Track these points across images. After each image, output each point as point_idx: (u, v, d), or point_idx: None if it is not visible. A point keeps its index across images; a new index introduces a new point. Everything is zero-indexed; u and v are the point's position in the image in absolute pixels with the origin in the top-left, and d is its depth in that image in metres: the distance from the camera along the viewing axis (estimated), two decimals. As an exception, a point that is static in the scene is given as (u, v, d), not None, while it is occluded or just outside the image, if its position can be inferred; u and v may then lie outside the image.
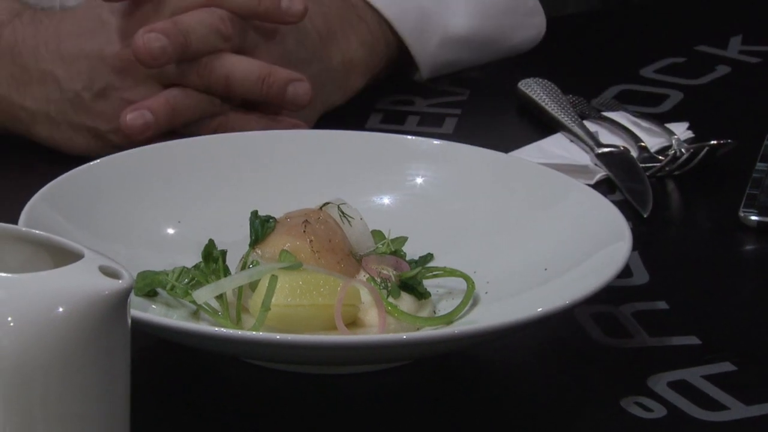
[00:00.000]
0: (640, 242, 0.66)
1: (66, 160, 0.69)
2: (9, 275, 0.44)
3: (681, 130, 0.79)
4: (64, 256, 0.46)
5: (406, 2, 0.79)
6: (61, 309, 0.44)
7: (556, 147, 0.78)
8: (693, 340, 0.62)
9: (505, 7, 0.82)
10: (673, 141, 0.77)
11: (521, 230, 0.64)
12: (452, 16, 0.81)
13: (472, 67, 0.85)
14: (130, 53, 0.70)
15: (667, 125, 0.79)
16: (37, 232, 0.47)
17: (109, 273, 0.45)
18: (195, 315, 0.60)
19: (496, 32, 0.83)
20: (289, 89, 0.72)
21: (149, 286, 0.60)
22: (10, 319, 0.43)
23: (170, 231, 0.64)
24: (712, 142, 0.76)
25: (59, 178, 0.63)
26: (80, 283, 0.44)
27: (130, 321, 0.46)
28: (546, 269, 0.61)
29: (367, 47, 0.79)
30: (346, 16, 0.78)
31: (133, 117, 0.70)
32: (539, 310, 0.56)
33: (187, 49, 0.70)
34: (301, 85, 0.72)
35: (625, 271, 0.63)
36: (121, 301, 0.45)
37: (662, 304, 0.65)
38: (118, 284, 0.45)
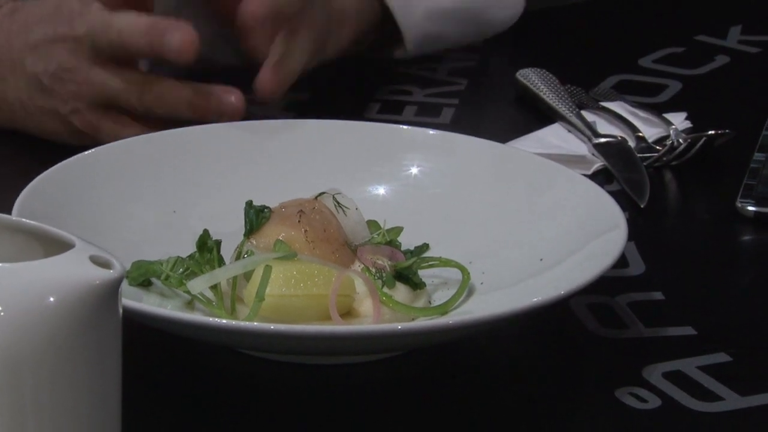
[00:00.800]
0: (636, 233, 0.65)
1: (59, 150, 0.68)
2: (-1, 265, 0.44)
3: (679, 120, 0.79)
4: (55, 245, 0.46)
5: None
6: (51, 299, 0.43)
7: (554, 137, 0.78)
8: (688, 330, 0.62)
9: None
10: (671, 131, 0.77)
11: (517, 220, 0.64)
12: None
13: (453, 46, 0.85)
14: (82, 33, 0.70)
15: (665, 115, 0.79)
16: (28, 221, 0.47)
17: (100, 263, 0.45)
18: (189, 305, 0.59)
19: (478, 6, 0.83)
20: (165, 40, 0.70)
21: (144, 275, 0.60)
22: (0, 308, 0.43)
23: (165, 221, 0.64)
24: (710, 132, 0.76)
25: (52, 168, 0.63)
26: (71, 273, 0.44)
27: (121, 311, 0.46)
28: (542, 259, 0.61)
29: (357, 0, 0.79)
30: None
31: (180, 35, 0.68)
32: (534, 300, 0.56)
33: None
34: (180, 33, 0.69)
35: (621, 262, 0.63)
36: (112, 290, 0.45)
37: (658, 295, 0.64)
38: (109, 274, 0.44)
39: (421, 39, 0.83)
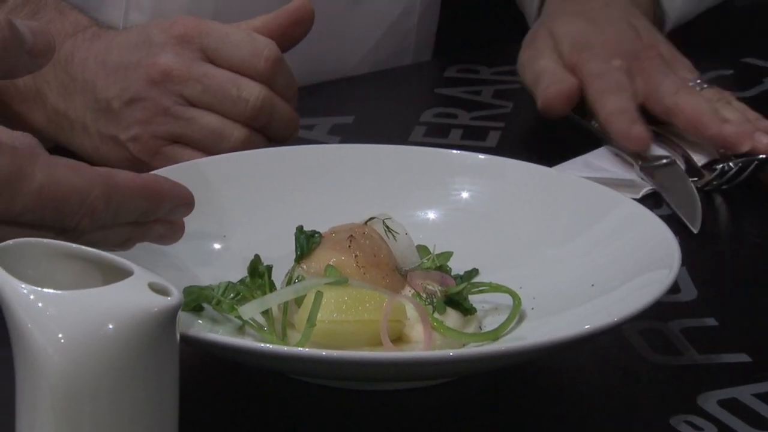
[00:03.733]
0: (687, 257, 0.65)
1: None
2: (60, 292, 0.44)
3: None
4: (113, 272, 0.46)
5: None
6: (110, 326, 0.44)
7: (602, 161, 0.78)
8: (743, 357, 0.61)
9: None
10: (720, 154, 0.76)
11: (568, 245, 0.64)
12: None
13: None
14: (164, 65, 0.70)
15: None
16: (87, 248, 0.47)
17: (158, 290, 0.45)
18: (241, 330, 0.60)
19: None
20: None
21: (195, 301, 0.60)
22: (60, 335, 0.43)
23: (216, 246, 0.64)
24: (761, 156, 0.75)
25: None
26: (130, 300, 0.44)
27: (178, 337, 0.46)
28: (593, 285, 0.61)
29: None
30: None
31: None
32: (587, 327, 0.55)
33: None
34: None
35: (673, 287, 0.62)
36: (170, 317, 0.45)
37: (711, 321, 0.64)
38: (167, 301, 0.45)
39: (676, 20, 0.87)
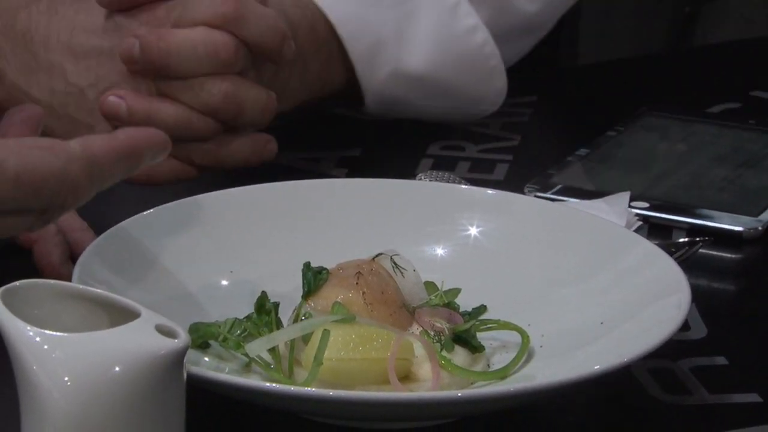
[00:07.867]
0: (697, 294, 0.64)
1: (115, 212, 0.68)
2: (66, 334, 0.44)
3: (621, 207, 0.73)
4: (120, 313, 0.46)
5: (363, 27, 0.77)
6: (117, 369, 0.43)
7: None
8: (754, 397, 0.60)
9: (465, 60, 0.80)
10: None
11: (576, 282, 0.63)
12: (408, 53, 0.79)
13: (429, 118, 0.83)
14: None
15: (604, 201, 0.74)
16: (93, 290, 0.47)
17: (166, 332, 0.45)
18: (247, 367, 0.59)
19: (452, 81, 0.80)
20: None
21: (201, 338, 0.60)
22: (67, 378, 0.43)
23: (223, 282, 0.64)
24: (697, 239, 0.72)
25: (109, 231, 0.63)
26: (137, 343, 0.44)
27: (185, 379, 0.45)
28: (602, 323, 0.60)
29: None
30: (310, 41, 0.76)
31: (110, 101, 0.69)
32: (597, 368, 0.55)
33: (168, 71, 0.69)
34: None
35: (683, 325, 0.62)
36: (177, 360, 0.45)
37: (721, 360, 0.63)
38: (174, 344, 0.44)
39: (383, 100, 0.80)
